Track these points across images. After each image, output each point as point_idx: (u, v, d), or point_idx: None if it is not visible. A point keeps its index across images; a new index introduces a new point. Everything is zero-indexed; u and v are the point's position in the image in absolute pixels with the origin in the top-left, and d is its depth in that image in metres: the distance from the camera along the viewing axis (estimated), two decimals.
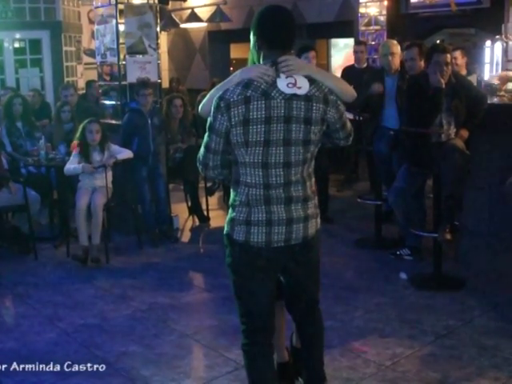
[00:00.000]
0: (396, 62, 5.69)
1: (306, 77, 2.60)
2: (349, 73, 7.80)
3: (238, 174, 2.64)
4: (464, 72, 6.31)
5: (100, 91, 7.07)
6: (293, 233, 2.64)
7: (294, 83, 2.57)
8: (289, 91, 2.56)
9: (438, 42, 8.88)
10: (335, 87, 2.67)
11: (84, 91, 9.47)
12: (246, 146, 2.55)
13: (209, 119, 2.62)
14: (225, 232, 2.72)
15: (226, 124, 2.55)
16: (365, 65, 7.86)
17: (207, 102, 2.68)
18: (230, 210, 2.69)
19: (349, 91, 2.76)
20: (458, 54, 6.44)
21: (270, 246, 2.63)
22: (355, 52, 7.82)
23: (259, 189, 2.60)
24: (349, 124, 2.74)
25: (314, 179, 2.74)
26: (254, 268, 2.68)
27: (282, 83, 2.56)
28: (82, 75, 10.71)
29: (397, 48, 5.74)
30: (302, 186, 2.65)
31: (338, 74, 8.15)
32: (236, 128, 2.54)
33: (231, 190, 2.71)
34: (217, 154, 2.63)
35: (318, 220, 2.76)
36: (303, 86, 2.57)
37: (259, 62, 2.68)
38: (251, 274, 2.69)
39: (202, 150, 2.68)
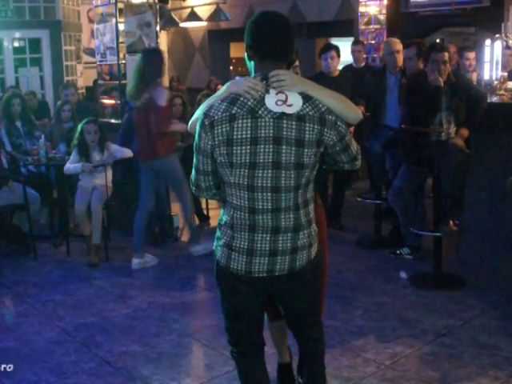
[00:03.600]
0: (400, 59, 5.69)
1: (301, 94, 2.35)
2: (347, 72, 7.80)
3: (225, 193, 2.44)
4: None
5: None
6: (277, 264, 2.42)
7: (283, 100, 2.31)
8: (277, 109, 2.30)
9: (437, 40, 8.88)
10: (336, 106, 2.38)
11: (84, 90, 9.48)
12: (230, 167, 2.34)
13: (195, 138, 2.41)
14: (213, 247, 2.57)
15: (210, 143, 2.34)
16: (362, 64, 7.85)
17: (195, 119, 2.46)
18: (217, 228, 2.53)
19: (352, 111, 2.47)
20: (471, 55, 6.43)
21: (250, 276, 2.44)
22: (353, 52, 7.81)
23: (244, 212, 2.38)
24: (354, 146, 2.47)
25: (312, 205, 2.50)
26: (236, 292, 2.52)
27: (271, 100, 2.32)
28: (81, 74, 10.71)
29: (400, 45, 5.74)
30: (294, 213, 2.40)
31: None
32: (220, 148, 2.33)
33: (221, 208, 2.53)
34: (207, 174, 2.43)
35: (313, 250, 2.49)
36: (294, 104, 2.32)
37: (252, 73, 2.46)
38: (234, 297, 2.55)
39: (192, 171, 2.49)
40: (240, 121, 2.31)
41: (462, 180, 4.85)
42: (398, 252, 5.48)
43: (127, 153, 5.92)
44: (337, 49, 6.14)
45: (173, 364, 3.75)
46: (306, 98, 2.35)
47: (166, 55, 13.05)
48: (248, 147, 2.31)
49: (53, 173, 6.40)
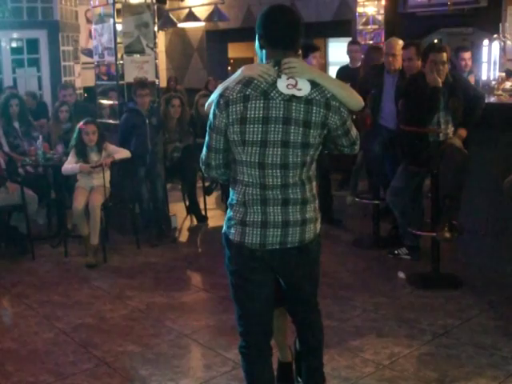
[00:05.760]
0: (396, 63, 5.64)
1: (309, 80, 2.55)
2: (343, 73, 7.80)
3: (236, 172, 2.60)
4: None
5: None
6: (289, 236, 2.58)
7: (294, 85, 2.52)
8: (287, 92, 2.51)
9: (435, 41, 8.88)
10: (340, 93, 2.59)
11: (82, 91, 9.46)
12: (242, 144, 2.52)
13: (210, 117, 2.60)
14: (222, 231, 2.69)
15: (224, 121, 2.53)
16: (358, 64, 7.85)
17: (211, 101, 2.64)
18: (228, 209, 2.67)
19: (354, 99, 2.67)
20: (466, 55, 6.43)
21: (264, 248, 2.58)
22: (350, 51, 7.81)
23: (256, 188, 2.56)
24: (354, 132, 2.66)
25: (315, 182, 2.67)
26: (249, 270, 2.64)
27: (282, 84, 2.52)
28: (79, 75, 10.71)
29: (399, 49, 5.65)
30: (301, 188, 2.59)
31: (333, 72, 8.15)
32: (233, 126, 2.51)
33: (230, 189, 2.67)
34: (218, 152, 2.60)
35: (318, 225, 2.68)
36: (303, 88, 2.52)
37: (263, 61, 2.64)
38: (247, 275, 2.65)
39: (204, 149, 2.66)
40: (253, 101, 2.51)
41: (460, 180, 4.85)
42: (396, 252, 5.48)
43: (125, 153, 5.92)
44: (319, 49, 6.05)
45: (171, 364, 3.75)
46: (314, 84, 2.56)
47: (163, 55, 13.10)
48: (260, 126, 2.51)
49: (51, 173, 6.40)
